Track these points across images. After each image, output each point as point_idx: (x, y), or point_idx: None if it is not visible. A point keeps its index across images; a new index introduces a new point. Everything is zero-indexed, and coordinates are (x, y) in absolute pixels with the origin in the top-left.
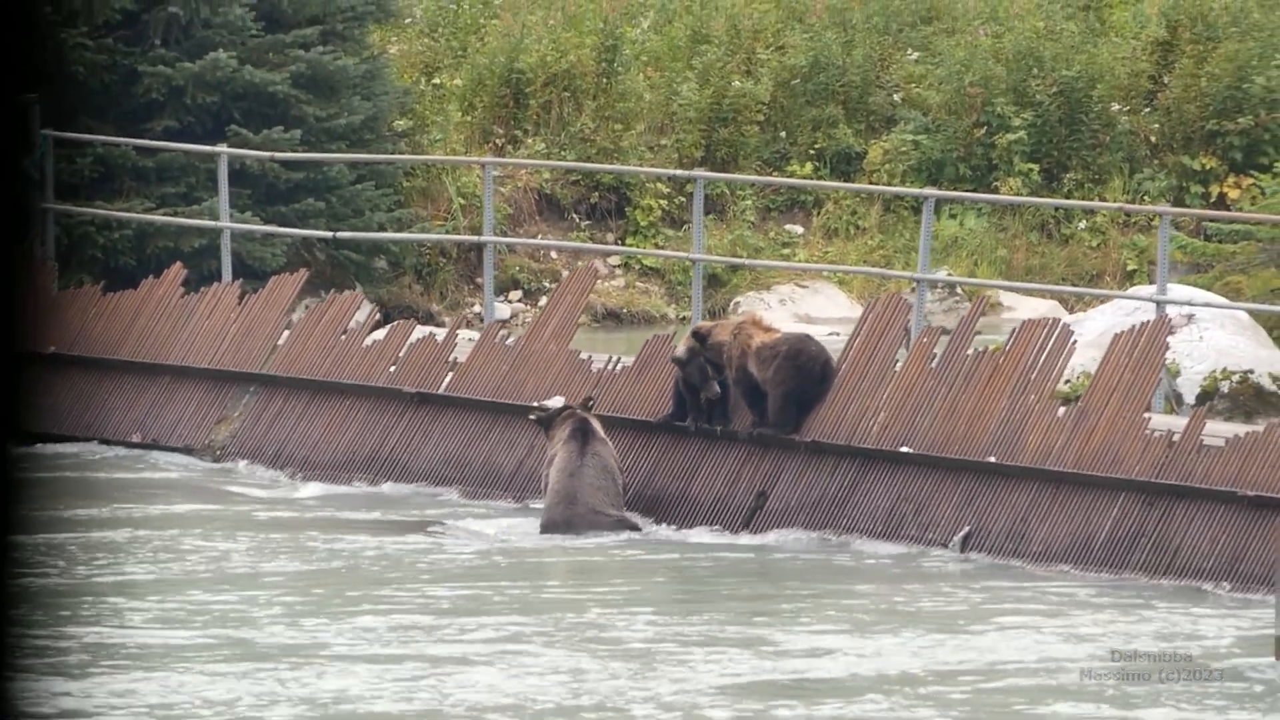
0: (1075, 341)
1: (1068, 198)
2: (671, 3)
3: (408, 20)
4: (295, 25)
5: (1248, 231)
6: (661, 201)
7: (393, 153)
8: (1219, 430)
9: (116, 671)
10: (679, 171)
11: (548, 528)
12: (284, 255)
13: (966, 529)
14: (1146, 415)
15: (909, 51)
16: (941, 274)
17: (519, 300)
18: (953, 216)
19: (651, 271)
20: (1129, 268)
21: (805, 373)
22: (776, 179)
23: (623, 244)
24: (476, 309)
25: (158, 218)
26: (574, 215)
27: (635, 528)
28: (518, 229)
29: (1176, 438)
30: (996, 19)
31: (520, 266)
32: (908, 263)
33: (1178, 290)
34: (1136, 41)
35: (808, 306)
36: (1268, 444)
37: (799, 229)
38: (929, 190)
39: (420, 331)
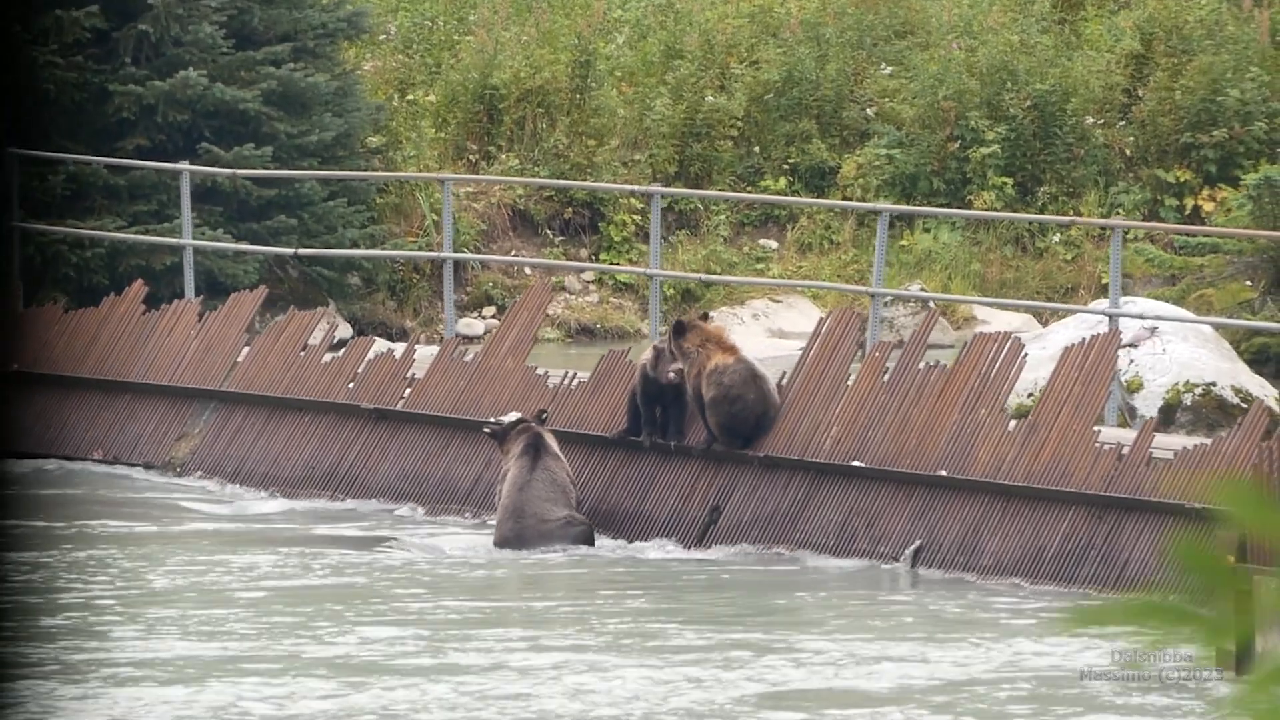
0: (1026, 355)
1: (1042, 211)
2: (646, 18)
3: (382, 37)
4: (266, 42)
5: (1215, 244)
6: (635, 217)
7: (365, 169)
8: (1170, 443)
9: (80, 684)
10: (635, 187)
11: (500, 544)
12: (256, 272)
13: (918, 543)
14: (1096, 429)
15: (883, 66)
16: (915, 288)
17: (492, 316)
18: (927, 230)
19: (625, 287)
20: (1104, 281)
21: (738, 419)
22: (731, 193)
23: (596, 259)
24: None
25: (123, 235)
26: (548, 231)
27: (586, 525)
28: (491, 245)
29: (1126, 451)
30: (970, 33)
31: (494, 283)
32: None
33: (1141, 303)
34: (1111, 55)
35: (781, 321)
36: (1215, 457)
37: (773, 244)
38: (882, 205)
39: (379, 347)
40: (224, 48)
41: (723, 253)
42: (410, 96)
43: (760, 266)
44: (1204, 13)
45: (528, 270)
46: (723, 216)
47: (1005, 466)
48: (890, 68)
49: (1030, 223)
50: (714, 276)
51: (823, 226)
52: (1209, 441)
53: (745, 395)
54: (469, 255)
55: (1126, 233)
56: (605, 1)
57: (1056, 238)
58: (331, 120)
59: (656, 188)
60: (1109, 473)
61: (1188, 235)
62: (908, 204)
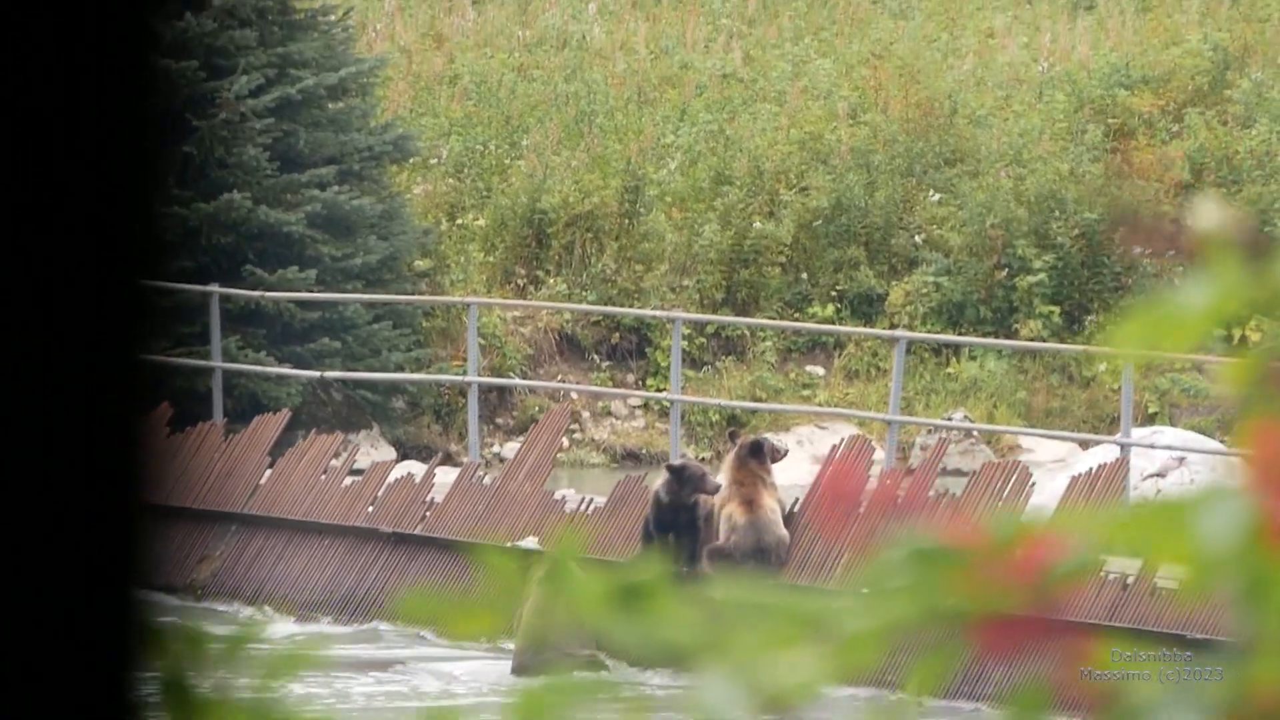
0: (1034, 484)
1: (1089, 340)
2: (697, 144)
3: (433, 161)
4: (311, 165)
5: None
6: (682, 343)
7: (412, 293)
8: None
9: None
10: (659, 312)
11: (518, 670)
12: (299, 395)
13: None
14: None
15: (931, 193)
16: (959, 416)
17: None
18: (973, 358)
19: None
20: (1150, 410)
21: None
22: (755, 320)
23: (643, 384)
24: (496, 449)
25: (154, 358)
26: (595, 356)
27: (605, 667)
28: (538, 369)
29: (1130, 580)
30: (1020, 161)
31: (540, 406)
32: (928, 404)
33: (1170, 434)
34: (1160, 184)
35: (824, 448)
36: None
37: (820, 370)
38: (900, 332)
39: (399, 471)
40: (268, 170)
41: (769, 379)
42: (460, 220)
43: (806, 393)
44: (1254, 143)
45: (574, 395)
46: (769, 343)
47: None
48: (939, 195)
49: (1067, 354)
50: (737, 403)
51: (870, 353)
52: None
53: (743, 564)
54: (493, 379)
55: (1174, 362)
56: (657, 127)
57: (1103, 366)
58: (376, 243)
59: (679, 313)
60: (1113, 602)
61: (1211, 365)
62: (955, 332)
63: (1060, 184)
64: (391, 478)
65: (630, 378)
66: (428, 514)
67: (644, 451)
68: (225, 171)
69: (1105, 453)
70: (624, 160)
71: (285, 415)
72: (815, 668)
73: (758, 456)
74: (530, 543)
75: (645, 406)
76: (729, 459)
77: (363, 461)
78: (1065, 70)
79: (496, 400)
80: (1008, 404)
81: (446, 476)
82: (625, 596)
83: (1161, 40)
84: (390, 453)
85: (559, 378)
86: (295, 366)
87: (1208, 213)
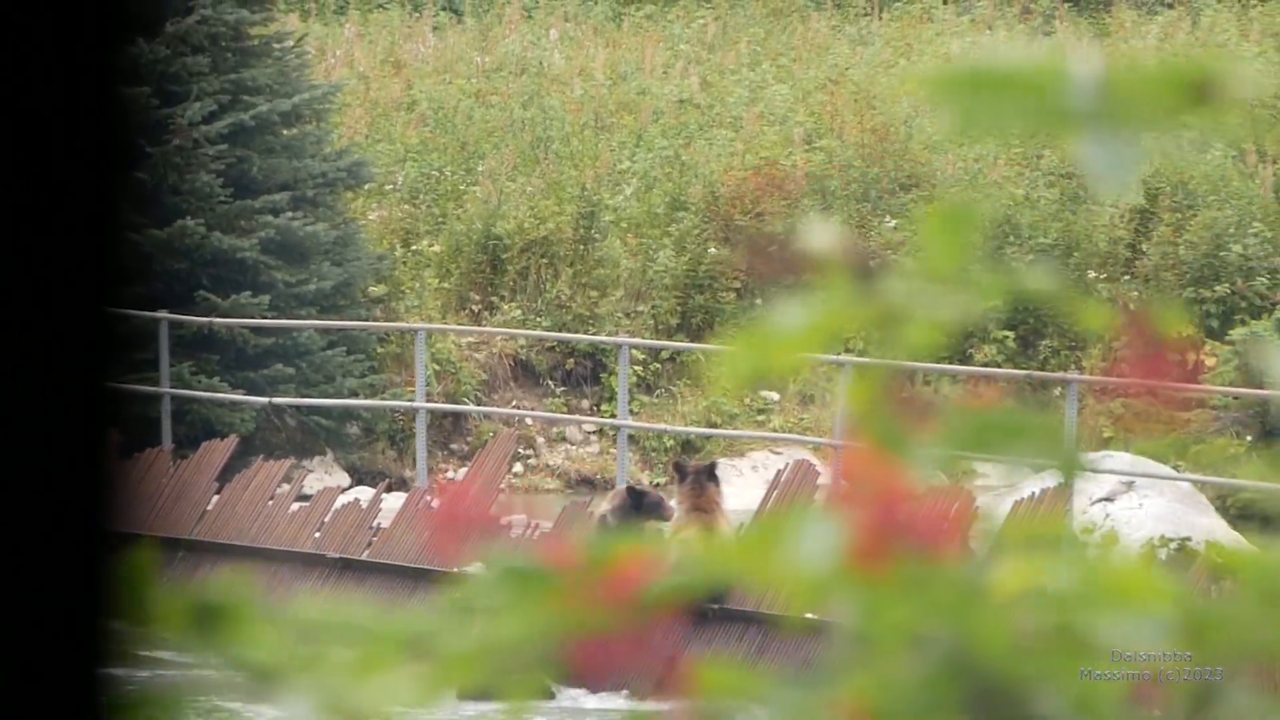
0: (978, 509)
1: (1044, 365)
2: (653, 170)
3: (388, 187)
4: (265, 191)
5: (1200, 399)
6: (636, 368)
7: (366, 318)
8: None
9: None
10: (606, 338)
11: (463, 694)
12: (253, 421)
13: None
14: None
15: (887, 218)
16: None
17: None
18: (927, 383)
19: (627, 438)
20: (1105, 434)
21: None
22: (695, 345)
23: (598, 410)
24: (450, 474)
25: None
26: (550, 381)
27: (551, 694)
28: (493, 395)
29: None
30: (975, 187)
31: (494, 432)
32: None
33: (1119, 458)
34: (1115, 209)
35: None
36: None
37: (775, 395)
38: (845, 357)
39: (345, 497)
40: (222, 196)
41: (724, 404)
42: (415, 246)
43: (761, 418)
44: (1209, 168)
45: (529, 421)
46: (725, 367)
47: None
48: (894, 220)
49: (1028, 378)
50: (688, 428)
51: (824, 378)
52: None
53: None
54: (442, 405)
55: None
56: (614, 153)
57: (1057, 391)
58: (330, 269)
59: (624, 339)
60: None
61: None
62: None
63: (1015, 209)
64: (339, 503)
65: (585, 403)
66: (374, 539)
67: (599, 477)
68: (179, 198)
69: (1054, 477)
70: (579, 186)
71: (233, 441)
72: (409, 688)
73: (714, 480)
74: (476, 569)
75: (600, 432)
76: (685, 484)
77: (315, 487)
78: None
79: (450, 426)
80: None
81: (396, 502)
82: (205, 616)
83: (1119, 65)
84: (344, 479)
85: (513, 403)
86: (249, 392)
87: (818, 235)
